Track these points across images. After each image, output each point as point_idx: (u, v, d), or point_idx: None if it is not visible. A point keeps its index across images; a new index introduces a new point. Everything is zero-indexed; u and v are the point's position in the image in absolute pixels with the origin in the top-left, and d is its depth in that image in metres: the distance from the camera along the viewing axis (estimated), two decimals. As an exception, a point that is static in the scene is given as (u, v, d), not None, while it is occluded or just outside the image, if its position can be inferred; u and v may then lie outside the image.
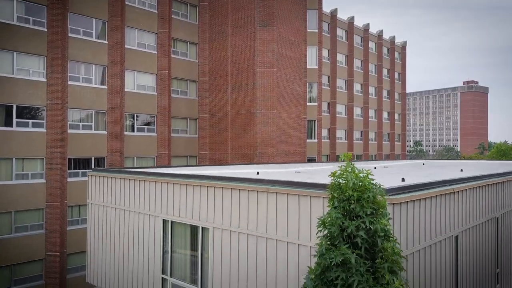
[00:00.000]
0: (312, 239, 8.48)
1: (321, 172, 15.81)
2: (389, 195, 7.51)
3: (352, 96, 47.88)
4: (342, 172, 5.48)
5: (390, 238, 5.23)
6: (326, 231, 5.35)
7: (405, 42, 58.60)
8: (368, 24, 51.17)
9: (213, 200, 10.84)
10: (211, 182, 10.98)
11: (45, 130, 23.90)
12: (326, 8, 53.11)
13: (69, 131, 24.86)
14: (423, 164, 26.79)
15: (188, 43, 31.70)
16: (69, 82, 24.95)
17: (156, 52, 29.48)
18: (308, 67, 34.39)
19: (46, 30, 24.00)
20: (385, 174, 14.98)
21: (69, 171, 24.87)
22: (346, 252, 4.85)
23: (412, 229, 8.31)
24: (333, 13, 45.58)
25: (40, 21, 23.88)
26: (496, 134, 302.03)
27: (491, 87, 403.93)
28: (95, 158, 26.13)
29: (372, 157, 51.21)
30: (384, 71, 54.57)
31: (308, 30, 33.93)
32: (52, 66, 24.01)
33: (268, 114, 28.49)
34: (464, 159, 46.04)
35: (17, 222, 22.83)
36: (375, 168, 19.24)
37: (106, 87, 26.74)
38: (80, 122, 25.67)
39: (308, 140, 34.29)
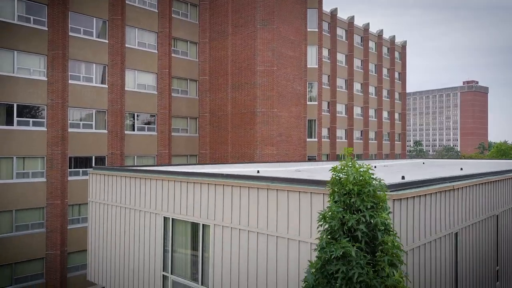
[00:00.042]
0: (313, 235, 8.52)
1: (321, 171, 15.85)
2: (390, 191, 7.55)
3: (352, 96, 47.92)
4: (343, 167, 5.52)
5: (390, 232, 5.27)
6: (326, 226, 5.39)
7: (405, 42, 58.64)
8: (368, 23, 51.20)
9: (214, 197, 10.88)
10: (211, 179, 11.02)
11: (46, 129, 23.94)
12: (326, 8, 53.22)
13: (70, 130, 24.89)
14: (423, 163, 26.84)
15: (189, 42, 31.74)
16: (70, 81, 24.99)
17: (156, 51, 29.51)
18: (308, 66, 34.42)
19: (46, 29, 24.03)
20: (385, 173, 15.02)
21: (70, 170, 24.90)
22: (346, 245, 4.89)
23: (412, 225, 8.35)
24: (333, 12, 45.62)
25: (40, 20, 23.92)
26: (496, 134, 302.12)
27: (491, 87, 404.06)
28: (95, 157, 26.17)
29: (372, 157, 51.25)
30: (384, 71, 54.61)
31: (308, 30, 33.96)
32: (52, 65, 24.05)
33: (268, 113, 28.53)
34: (464, 159, 46.07)
35: (18, 221, 22.88)
36: (375, 167, 19.26)
37: (107, 86, 26.78)
38: (80, 121, 25.71)
39: (308, 139, 34.32)
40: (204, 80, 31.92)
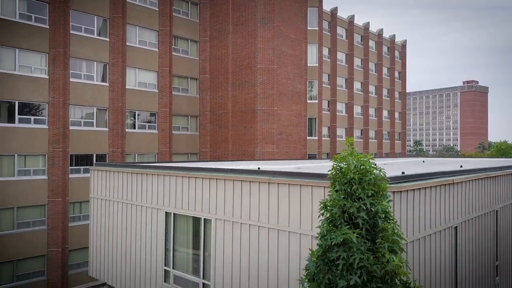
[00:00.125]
0: (314, 228, 8.60)
1: (322, 169, 15.92)
2: (390, 184, 7.62)
3: (352, 95, 48.01)
4: (344, 157, 5.60)
5: (390, 220, 5.35)
6: (328, 214, 5.47)
7: (405, 41, 58.72)
8: (368, 22, 51.30)
9: (215, 192, 10.96)
10: (213, 174, 11.09)
11: (47, 127, 24.03)
12: (326, 7, 53.21)
13: (71, 127, 24.98)
14: (423, 161, 26.90)
15: (189, 40, 31.83)
16: (71, 79, 25.08)
17: (157, 50, 29.60)
18: (308, 65, 34.50)
19: (48, 27, 24.12)
20: (386, 169, 15.08)
21: (71, 167, 24.99)
22: (347, 232, 4.97)
23: (412, 218, 8.42)
24: (333, 11, 45.71)
25: (42, 18, 24.00)
26: (496, 134, 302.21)
27: (491, 87, 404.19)
28: (96, 155, 26.26)
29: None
30: (384, 70, 54.71)
31: (308, 28, 34.04)
32: (54, 63, 24.15)
33: (269, 112, 28.61)
34: (464, 157, 46.17)
35: (19, 218, 22.96)
36: (375, 164, 19.30)
37: (108, 84, 26.87)
38: (81, 119, 25.80)
39: (308, 138, 34.40)
40: (204, 78, 32.01)
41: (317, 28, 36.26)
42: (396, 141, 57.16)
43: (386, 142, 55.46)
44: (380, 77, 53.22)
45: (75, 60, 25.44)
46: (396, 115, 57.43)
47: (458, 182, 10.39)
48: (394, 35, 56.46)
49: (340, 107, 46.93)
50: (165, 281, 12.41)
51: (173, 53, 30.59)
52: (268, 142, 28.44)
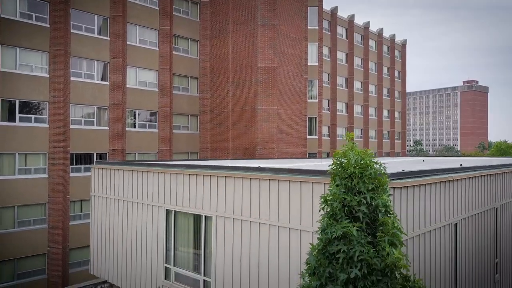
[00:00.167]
0: (314, 225, 8.64)
1: (322, 167, 15.95)
2: (391, 180, 7.66)
3: (352, 94, 48.05)
4: (344, 152, 5.64)
5: (390, 214, 5.39)
6: (328, 209, 5.51)
7: (405, 41, 58.76)
8: (368, 22, 51.34)
9: (216, 189, 11.00)
10: (214, 171, 11.13)
11: (48, 126, 24.07)
12: (327, 6, 53.27)
13: (71, 126, 25.02)
14: (423, 160, 26.93)
15: (190, 40, 31.87)
16: (71, 78, 25.12)
17: (157, 49, 29.64)
18: (308, 64, 34.54)
19: (48, 26, 24.16)
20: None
21: (71, 166, 25.03)
22: (347, 225, 5.01)
23: (412, 214, 8.47)
24: (333, 11, 45.75)
25: (42, 17, 24.04)
26: (496, 134, 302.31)
27: (491, 87, 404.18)
28: (97, 154, 26.30)
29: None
30: (384, 69, 54.75)
31: (308, 27, 34.08)
32: (54, 62, 24.19)
33: (269, 111, 28.65)
34: (464, 156, 46.21)
35: (20, 217, 23.00)
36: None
37: (108, 83, 26.91)
38: (82, 117, 25.84)
39: (308, 137, 34.44)
40: (205, 77, 32.05)
41: (317, 27, 36.30)
42: (396, 141, 57.21)
43: (386, 141, 55.51)
44: (380, 77, 53.26)
45: (76, 59, 25.49)
46: (396, 114, 57.47)
47: (458, 179, 10.43)
48: (394, 34, 56.51)
49: (340, 106, 46.98)
50: (166, 278, 12.45)
51: (174, 52, 30.63)
52: (268, 141, 28.49)
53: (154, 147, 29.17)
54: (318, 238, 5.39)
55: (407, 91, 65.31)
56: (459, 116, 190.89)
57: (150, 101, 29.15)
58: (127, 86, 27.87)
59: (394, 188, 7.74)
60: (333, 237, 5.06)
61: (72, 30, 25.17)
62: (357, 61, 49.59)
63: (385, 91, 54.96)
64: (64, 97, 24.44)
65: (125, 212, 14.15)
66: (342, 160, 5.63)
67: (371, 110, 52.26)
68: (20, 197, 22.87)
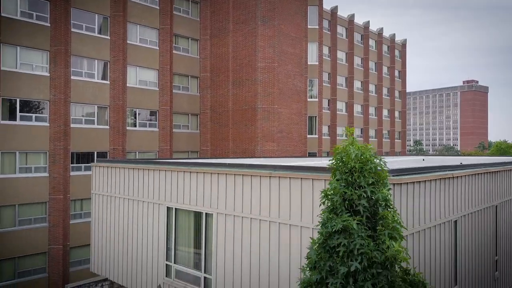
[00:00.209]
0: (315, 221, 8.68)
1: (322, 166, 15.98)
2: (391, 176, 7.70)
3: (352, 94, 48.08)
4: (344, 147, 5.68)
5: (390, 208, 5.43)
6: (329, 203, 5.55)
7: (405, 40, 58.78)
8: (368, 21, 51.36)
9: (216, 186, 11.04)
10: (214, 169, 11.17)
11: (48, 124, 24.11)
12: (327, 6, 53.37)
13: (72, 125, 25.06)
14: (423, 159, 26.97)
15: (190, 39, 31.91)
16: (72, 77, 25.16)
17: (158, 48, 29.68)
18: (308, 63, 34.58)
19: (49, 25, 24.20)
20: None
21: (72, 165, 25.07)
22: (347, 219, 5.05)
23: (412, 210, 8.50)
24: (334, 10, 45.78)
25: (43, 16, 24.08)
26: (496, 134, 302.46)
27: (491, 87, 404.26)
28: (97, 153, 26.34)
29: (372, 154, 51.28)
30: (384, 69, 54.77)
31: (308, 27, 34.11)
32: (55, 61, 24.23)
33: (269, 110, 28.69)
34: (464, 156, 46.22)
35: (20, 215, 23.04)
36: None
37: (109, 82, 26.94)
38: (82, 116, 25.88)
39: (308, 136, 34.48)
40: (205, 76, 32.09)
41: (317, 27, 36.34)
42: (396, 140, 57.24)
43: (386, 141, 55.54)
44: (380, 76, 53.29)
45: (76, 58, 25.53)
46: (396, 114, 57.50)
47: (458, 176, 10.48)
48: (394, 34, 56.55)
49: (340, 105, 47.00)
50: (166, 276, 12.49)
51: (174, 51, 30.66)
52: (268, 140, 28.52)
53: (154, 146, 29.22)
54: (318, 232, 5.43)
55: (407, 91, 65.37)
56: (459, 116, 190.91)
57: (151, 100, 29.19)
58: (128, 85, 27.91)
59: (394, 184, 7.78)
60: (333, 230, 5.11)
61: (72, 29, 25.20)
62: (357, 60, 49.62)
63: (385, 91, 54.99)
64: (65, 96, 24.48)
65: (126, 209, 14.19)
66: (343, 155, 5.67)
67: (371, 110, 52.29)
68: (20, 195, 22.91)
